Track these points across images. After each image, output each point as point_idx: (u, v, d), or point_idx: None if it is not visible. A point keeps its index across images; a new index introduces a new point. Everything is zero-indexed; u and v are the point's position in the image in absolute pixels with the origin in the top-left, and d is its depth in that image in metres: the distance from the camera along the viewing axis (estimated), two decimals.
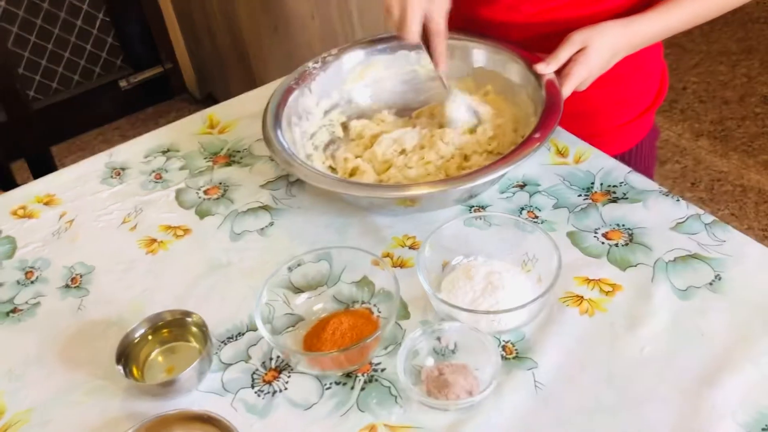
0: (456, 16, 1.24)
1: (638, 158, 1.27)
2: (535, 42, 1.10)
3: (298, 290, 0.93)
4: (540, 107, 1.01)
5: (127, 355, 0.87)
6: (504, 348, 0.85)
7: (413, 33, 1.01)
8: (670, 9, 1.05)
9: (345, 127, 1.17)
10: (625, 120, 1.24)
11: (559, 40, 1.04)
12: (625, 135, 1.25)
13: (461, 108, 1.10)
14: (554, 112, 0.99)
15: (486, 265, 0.91)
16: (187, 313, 0.89)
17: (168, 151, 1.23)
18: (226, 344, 0.90)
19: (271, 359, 0.87)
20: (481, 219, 0.96)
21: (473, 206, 1.04)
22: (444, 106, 1.10)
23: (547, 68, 1.04)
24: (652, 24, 1.05)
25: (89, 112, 2.94)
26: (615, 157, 1.13)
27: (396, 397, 0.82)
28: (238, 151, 1.21)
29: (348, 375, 0.85)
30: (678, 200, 1.01)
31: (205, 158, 1.20)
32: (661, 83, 1.27)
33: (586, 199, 1.03)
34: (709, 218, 0.97)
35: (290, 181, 1.13)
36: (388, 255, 0.99)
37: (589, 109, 1.19)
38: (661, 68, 1.26)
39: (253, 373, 0.86)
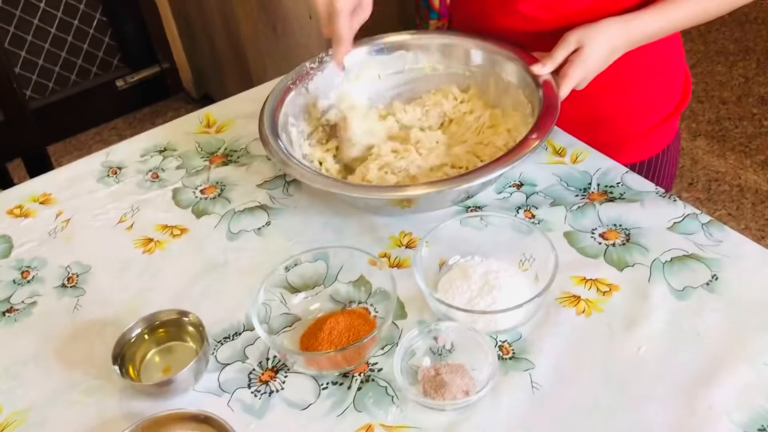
0: (469, 26, 1.23)
1: (665, 163, 1.26)
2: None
3: (295, 290, 0.93)
4: (537, 108, 1.01)
5: (123, 355, 0.86)
6: (501, 348, 0.85)
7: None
8: (673, 5, 1.04)
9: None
10: (652, 124, 1.22)
11: None
12: (651, 140, 1.23)
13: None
14: (551, 113, 0.99)
15: (483, 265, 0.91)
16: (184, 313, 0.89)
17: (165, 150, 1.23)
18: (222, 344, 0.90)
19: (267, 359, 0.87)
20: (478, 219, 0.95)
21: (470, 206, 1.04)
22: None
23: (543, 69, 1.04)
24: (654, 20, 1.04)
25: (86, 112, 2.94)
26: (641, 163, 1.12)
27: (393, 397, 0.82)
28: (235, 151, 1.21)
29: (345, 375, 0.85)
30: (675, 200, 1.01)
31: (201, 158, 1.20)
32: (685, 86, 1.25)
33: (583, 199, 1.03)
34: (706, 218, 0.98)
35: (287, 180, 1.13)
36: (385, 255, 0.99)
37: (614, 114, 1.18)
38: (683, 71, 1.25)
39: (250, 372, 0.86)
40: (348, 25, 1.03)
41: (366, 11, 1.05)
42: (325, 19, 1.03)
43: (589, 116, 1.16)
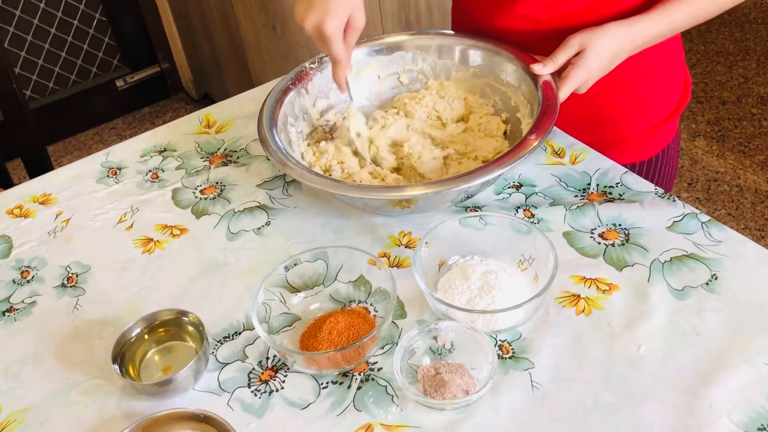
0: (468, 27, 1.23)
1: (665, 163, 1.26)
2: (552, 50, 1.07)
3: (295, 290, 0.93)
4: (536, 108, 1.01)
5: (123, 355, 0.87)
6: (500, 347, 0.85)
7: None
8: (674, 6, 1.04)
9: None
10: (652, 125, 1.21)
11: None
12: (651, 140, 1.23)
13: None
14: (550, 113, 0.98)
15: (482, 265, 0.91)
16: (184, 313, 0.89)
17: (164, 150, 1.23)
18: (222, 343, 0.90)
19: (267, 358, 0.87)
20: (477, 219, 0.96)
21: (469, 207, 1.04)
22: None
23: (543, 69, 1.04)
24: (656, 22, 1.04)
25: (86, 112, 2.94)
26: (642, 163, 1.11)
27: (392, 396, 0.82)
28: (235, 151, 1.21)
29: (344, 374, 0.85)
30: (674, 200, 1.01)
31: (201, 158, 1.20)
32: (684, 87, 1.25)
33: (583, 199, 1.03)
34: (706, 218, 0.98)
35: (287, 180, 1.13)
36: (384, 254, 0.99)
37: (614, 115, 1.18)
38: (683, 71, 1.25)
39: (250, 372, 0.86)
40: (342, 46, 1.03)
41: (359, 22, 1.04)
42: (319, 44, 1.03)
43: (589, 117, 1.16)
